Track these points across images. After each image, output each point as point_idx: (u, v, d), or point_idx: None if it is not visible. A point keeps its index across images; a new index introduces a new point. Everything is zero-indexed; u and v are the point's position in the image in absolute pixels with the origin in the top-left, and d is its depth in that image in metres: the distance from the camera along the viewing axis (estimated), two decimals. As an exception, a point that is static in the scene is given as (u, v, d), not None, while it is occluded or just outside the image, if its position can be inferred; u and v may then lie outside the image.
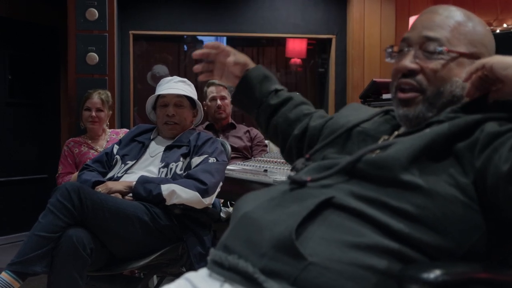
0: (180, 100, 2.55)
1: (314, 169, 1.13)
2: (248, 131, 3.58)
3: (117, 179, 2.39)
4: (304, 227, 0.94)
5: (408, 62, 1.13)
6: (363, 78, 4.67)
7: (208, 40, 5.48)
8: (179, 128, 2.56)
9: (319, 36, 4.85)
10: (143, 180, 2.28)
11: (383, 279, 0.90)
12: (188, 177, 2.31)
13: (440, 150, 1.01)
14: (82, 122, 3.32)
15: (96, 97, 3.27)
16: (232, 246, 0.99)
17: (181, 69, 5.38)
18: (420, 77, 1.12)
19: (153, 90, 2.67)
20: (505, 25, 4.12)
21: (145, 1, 4.59)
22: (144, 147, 2.53)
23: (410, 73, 1.13)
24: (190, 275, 1.03)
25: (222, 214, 2.98)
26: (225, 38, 5.50)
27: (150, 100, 2.62)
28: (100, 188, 2.28)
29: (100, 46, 3.99)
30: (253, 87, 1.46)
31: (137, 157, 2.48)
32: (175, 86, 2.55)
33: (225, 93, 3.55)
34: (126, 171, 2.42)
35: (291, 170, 1.18)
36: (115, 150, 2.57)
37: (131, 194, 2.29)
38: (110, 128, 3.45)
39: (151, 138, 2.58)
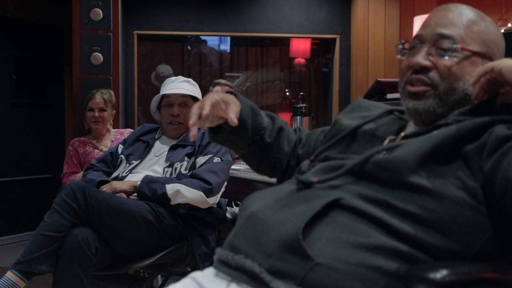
0: (185, 100, 2.55)
1: (321, 170, 1.12)
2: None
3: (122, 178, 2.39)
4: (311, 228, 0.94)
5: (421, 58, 1.12)
6: (367, 78, 4.66)
7: (211, 40, 5.49)
8: (183, 127, 2.56)
9: (323, 36, 4.84)
10: (148, 180, 2.28)
11: (390, 280, 0.90)
12: (193, 177, 2.31)
13: (448, 152, 1.01)
14: (86, 123, 3.33)
15: (99, 97, 3.27)
16: (238, 245, 0.99)
17: (185, 69, 5.39)
18: (432, 73, 1.11)
19: (157, 90, 2.67)
20: (509, 25, 4.10)
21: (149, 1, 4.59)
22: (148, 146, 2.53)
23: (423, 69, 1.12)
24: (196, 274, 1.03)
25: (228, 215, 2.97)
26: (229, 38, 5.51)
27: (155, 100, 2.62)
28: (105, 188, 2.29)
29: (104, 46, 4.00)
30: (246, 126, 1.31)
31: (142, 156, 2.48)
32: (180, 86, 2.55)
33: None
34: (130, 171, 2.43)
35: (297, 172, 1.16)
36: (119, 150, 2.57)
37: (136, 194, 2.29)
38: (114, 128, 3.45)
39: (156, 137, 2.58)
